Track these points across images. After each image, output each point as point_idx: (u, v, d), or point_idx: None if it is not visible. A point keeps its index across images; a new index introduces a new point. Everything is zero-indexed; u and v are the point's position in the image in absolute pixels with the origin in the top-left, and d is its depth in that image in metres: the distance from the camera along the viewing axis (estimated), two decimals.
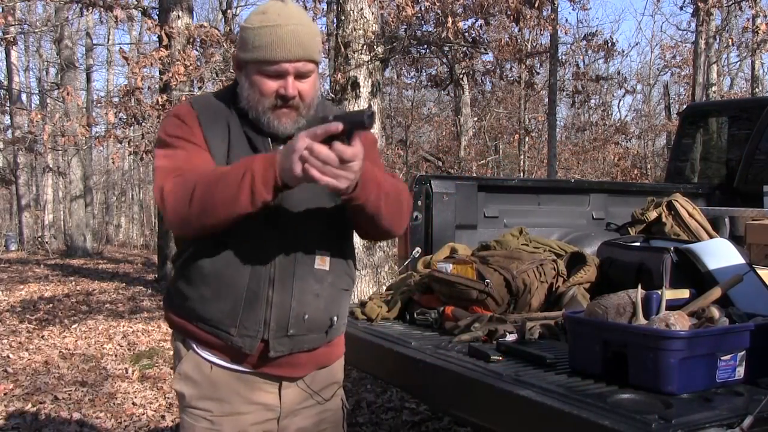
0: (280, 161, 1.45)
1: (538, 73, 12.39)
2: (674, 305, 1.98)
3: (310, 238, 1.66)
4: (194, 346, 1.71)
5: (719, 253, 2.53)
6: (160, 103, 7.81)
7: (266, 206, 1.51)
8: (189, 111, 1.67)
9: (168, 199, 1.55)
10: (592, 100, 17.88)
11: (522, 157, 16.95)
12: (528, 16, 8.45)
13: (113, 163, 21.79)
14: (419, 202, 3.33)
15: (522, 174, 16.29)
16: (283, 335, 1.64)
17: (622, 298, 1.97)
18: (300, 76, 1.62)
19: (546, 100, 13.65)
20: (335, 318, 1.72)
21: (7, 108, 18.35)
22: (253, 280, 1.61)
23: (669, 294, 1.99)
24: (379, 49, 6.95)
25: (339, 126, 1.42)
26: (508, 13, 7.99)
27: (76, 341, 6.39)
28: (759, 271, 2.35)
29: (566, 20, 17.59)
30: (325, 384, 1.81)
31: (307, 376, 1.76)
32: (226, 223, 1.54)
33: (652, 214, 3.32)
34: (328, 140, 1.42)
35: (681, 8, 26.64)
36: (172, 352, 1.86)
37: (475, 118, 17.26)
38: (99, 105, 18.01)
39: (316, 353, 1.73)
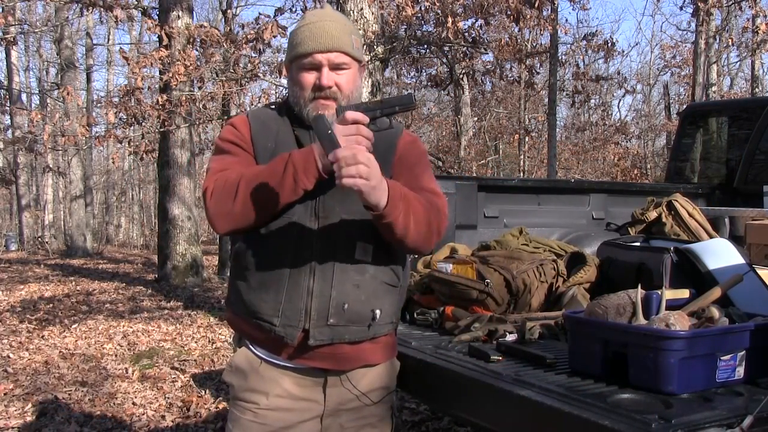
0: (320, 149, 1.57)
1: (538, 73, 12.39)
2: (674, 305, 1.98)
3: (351, 229, 1.71)
4: (247, 342, 1.79)
5: (719, 253, 2.53)
6: (160, 103, 7.80)
7: (306, 194, 1.63)
8: (243, 120, 1.81)
9: (210, 199, 1.66)
10: (592, 100, 17.89)
11: (522, 157, 16.97)
12: (528, 16, 8.44)
13: (113, 163, 21.86)
14: None
15: (522, 174, 16.31)
16: (324, 324, 1.69)
17: (622, 298, 1.97)
18: (335, 68, 1.72)
19: (546, 100, 13.65)
20: (377, 312, 1.73)
21: (7, 108, 18.37)
22: (294, 270, 1.68)
23: (669, 294, 1.99)
24: (379, 49, 6.95)
25: (366, 118, 1.58)
26: (508, 13, 7.99)
27: (76, 341, 6.39)
28: (759, 271, 2.35)
29: (566, 20, 17.64)
30: (373, 387, 1.81)
31: (354, 375, 1.78)
32: (269, 214, 1.65)
33: (652, 214, 3.32)
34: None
35: (681, 8, 26.63)
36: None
37: (475, 118, 17.27)
38: (99, 105, 18.04)
39: (361, 348, 1.75)
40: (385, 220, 1.59)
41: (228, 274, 1.89)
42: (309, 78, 1.71)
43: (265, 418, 1.74)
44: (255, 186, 1.62)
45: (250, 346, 1.79)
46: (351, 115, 1.57)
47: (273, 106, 1.87)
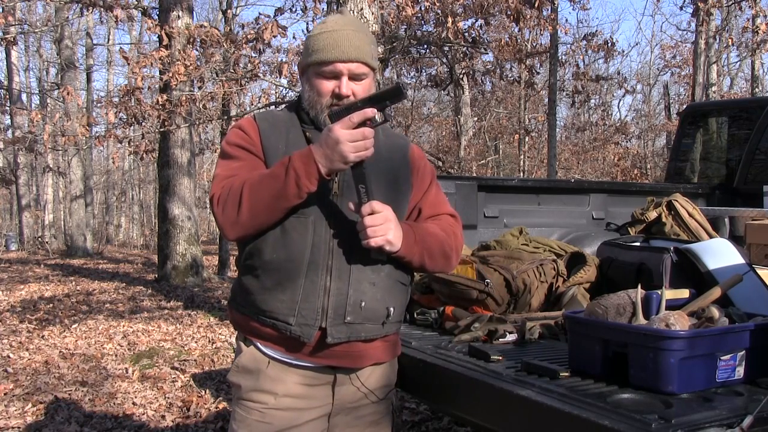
0: (325, 153, 1.59)
1: (538, 73, 12.38)
2: (674, 305, 1.98)
3: None
4: (255, 342, 1.78)
5: (719, 253, 2.53)
6: (160, 103, 7.80)
7: (317, 195, 1.66)
8: (251, 122, 1.81)
9: (217, 207, 1.69)
10: (592, 100, 17.91)
11: (522, 157, 16.99)
12: (528, 16, 8.45)
13: (113, 163, 21.85)
14: None
15: (522, 174, 16.32)
16: (341, 322, 1.71)
17: (622, 298, 1.97)
18: (354, 77, 1.74)
19: (546, 100, 13.65)
20: (391, 309, 1.77)
21: (7, 108, 18.37)
22: (311, 270, 1.69)
23: (669, 294, 1.99)
24: (379, 49, 6.95)
25: (374, 111, 1.59)
26: (508, 13, 8.00)
27: (76, 341, 6.39)
28: (759, 271, 2.35)
29: (566, 20, 17.62)
30: (379, 384, 1.85)
31: (362, 373, 1.81)
32: (274, 219, 1.67)
33: (652, 214, 3.32)
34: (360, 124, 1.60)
35: (681, 8, 26.67)
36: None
37: (475, 118, 17.28)
38: (99, 105, 18.01)
39: (373, 346, 1.79)
40: (403, 260, 1.74)
41: (228, 274, 1.89)
42: (328, 85, 1.73)
43: (273, 418, 1.75)
44: (258, 193, 1.63)
45: (259, 346, 1.78)
46: (358, 116, 1.58)
47: (279, 109, 1.88)
